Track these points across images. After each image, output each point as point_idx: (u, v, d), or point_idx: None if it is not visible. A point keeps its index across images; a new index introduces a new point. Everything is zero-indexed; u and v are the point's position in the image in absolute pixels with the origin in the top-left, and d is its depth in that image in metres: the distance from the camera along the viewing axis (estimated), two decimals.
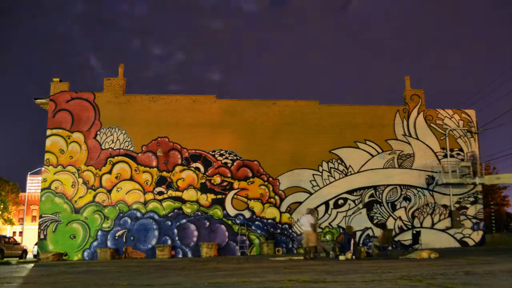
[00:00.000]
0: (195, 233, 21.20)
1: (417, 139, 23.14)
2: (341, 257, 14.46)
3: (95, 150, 21.74)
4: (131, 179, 21.57)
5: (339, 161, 22.52)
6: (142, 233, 21.10)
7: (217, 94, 23.46)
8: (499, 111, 40.20)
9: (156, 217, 21.27)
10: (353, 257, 14.45)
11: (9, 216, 53.04)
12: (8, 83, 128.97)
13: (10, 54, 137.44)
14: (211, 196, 21.58)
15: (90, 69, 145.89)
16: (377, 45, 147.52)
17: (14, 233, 56.68)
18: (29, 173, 54.87)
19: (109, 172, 21.57)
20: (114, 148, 21.82)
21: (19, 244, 28.82)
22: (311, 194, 22.03)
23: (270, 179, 21.99)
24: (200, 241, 20.89)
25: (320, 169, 22.34)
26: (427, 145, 23.12)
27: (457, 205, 22.57)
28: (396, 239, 21.51)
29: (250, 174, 21.95)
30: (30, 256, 29.70)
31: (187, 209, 21.40)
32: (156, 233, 21.14)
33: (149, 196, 21.44)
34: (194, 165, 21.85)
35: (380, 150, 22.80)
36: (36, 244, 23.78)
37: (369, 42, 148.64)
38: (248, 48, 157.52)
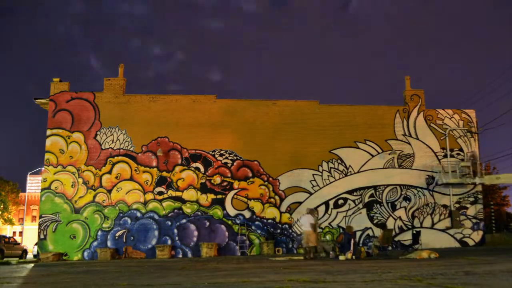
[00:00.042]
0: (195, 233, 21.20)
1: (417, 139, 23.14)
2: (341, 257, 14.46)
3: (95, 150, 21.74)
4: (131, 179, 21.57)
5: (339, 161, 22.52)
6: (142, 233, 21.10)
7: (217, 94, 23.49)
8: (499, 111, 40.22)
9: (156, 217, 21.27)
10: (353, 257, 14.45)
11: (9, 216, 53.05)
12: (8, 83, 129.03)
13: (10, 54, 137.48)
14: (211, 196, 21.58)
15: (90, 69, 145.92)
16: (377, 45, 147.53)
17: (14, 233, 56.69)
18: (29, 173, 54.93)
19: (109, 172, 21.57)
20: (114, 148, 21.82)
21: (19, 244, 28.82)
22: (311, 194, 22.03)
23: (270, 179, 21.99)
24: (200, 241, 20.89)
25: (320, 169, 22.34)
26: (427, 145, 23.12)
27: (457, 205, 22.57)
28: (396, 239, 21.51)
29: (250, 174, 21.95)
30: (30, 256, 29.70)
31: (187, 209, 21.40)
32: (156, 233, 21.14)
33: (149, 196, 21.44)
34: (194, 165, 21.86)
35: (380, 150, 22.80)
36: (36, 244, 23.78)
37: (369, 42, 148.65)
38: (248, 48, 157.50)
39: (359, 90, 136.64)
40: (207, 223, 21.35)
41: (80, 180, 21.42)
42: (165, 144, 22.01)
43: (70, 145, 21.71)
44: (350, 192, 22.28)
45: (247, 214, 21.55)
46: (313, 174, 22.23)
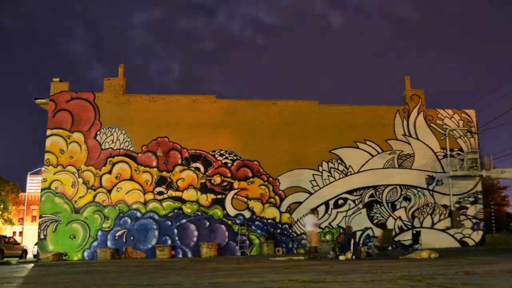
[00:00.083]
0: (195, 233, 21.20)
1: (417, 139, 23.14)
2: (341, 257, 14.46)
3: (95, 150, 21.74)
4: (131, 179, 21.57)
5: (339, 161, 22.52)
6: (142, 233, 21.10)
7: (217, 94, 23.51)
8: (499, 111, 40.24)
9: (156, 217, 21.27)
10: (353, 257, 14.44)
11: (9, 216, 53.03)
12: (8, 83, 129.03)
13: (10, 54, 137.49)
14: (211, 196, 21.58)
15: (90, 69, 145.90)
16: (377, 45, 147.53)
17: (14, 233, 56.65)
18: (29, 173, 54.88)
19: (109, 172, 21.57)
20: (114, 148, 21.82)
21: (19, 244, 28.81)
22: (311, 194, 22.03)
23: (270, 179, 21.99)
24: (200, 241, 20.89)
25: (320, 169, 22.34)
26: (427, 145, 23.12)
27: (457, 205, 22.57)
28: (396, 239, 21.50)
29: (250, 174, 21.95)
30: (30, 256, 29.70)
31: (187, 209, 21.40)
32: (156, 233, 21.14)
33: (149, 196, 21.43)
34: (194, 165, 21.85)
35: (380, 150, 22.80)
36: (36, 244, 23.77)
37: (369, 42, 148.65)
38: (248, 48, 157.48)
39: (359, 90, 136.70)
40: (207, 223, 21.34)
41: (80, 180, 21.41)
42: (165, 144, 22.01)
43: (70, 145, 21.71)
44: (350, 192, 22.27)
45: (247, 214, 21.55)
46: (313, 174, 22.23)
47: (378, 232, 20.74)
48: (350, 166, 22.52)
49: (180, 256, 20.89)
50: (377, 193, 22.39)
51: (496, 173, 22.96)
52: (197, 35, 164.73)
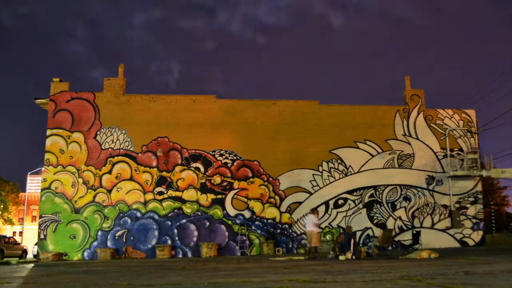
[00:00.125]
0: (195, 233, 21.20)
1: (417, 139, 23.14)
2: (341, 257, 14.46)
3: (95, 150, 21.74)
4: (131, 179, 21.57)
5: (339, 161, 22.52)
6: (142, 233, 21.10)
7: (217, 94, 23.51)
8: (499, 111, 40.23)
9: (156, 217, 21.27)
10: (353, 257, 14.44)
11: (9, 216, 53.03)
12: (8, 83, 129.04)
13: (10, 54, 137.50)
14: (211, 196, 21.58)
15: (90, 69, 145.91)
16: (377, 45, 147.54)
17: (14, 233, 56.65)
18: (29, 173, 54.87)
19: (109, 172, 21.57)
20: (114, 148, 21.82)
21: (19, 244, 28.81)
22: (311, 194, 22.03)
23: (270, 179, 21.99)
24: (200, 241, 20.89)
25: (320, 169, 22.34)
26: (427, 145, 23.12)
27: (457, 205, 22.57)
28: (396, 239, 21.50)
29: (250, 174, 21.95)
30: (30, 256, 29.70)
31: (187, 209, 21.40)
32: (156, 233, 21.14)
33: (149, 196, 21.43)
34: (194, 165, 21.85)
35: (380, 150, 22.79)
36: (36, 244, 23.77)
37: (369, 42, 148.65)
38: (248, 48, 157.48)
39: (359, 90, 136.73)
40: (207, 223, 21.34)
41: (80, 180, 21.41)
42: (165, 144, 22.01)
43: (70, 145, 21.71)
44: (350, 192, 22.27)
45: (247, 214, 21.55)
46: (313, 174, 22.23)
47: (378, 232, 20.74)
48: (350, 166, 22.52)
49: (180, 256, 20.88)
50: (377, 193, 22.39)
51: (496, 173, 22.97)
52: (197, 35, 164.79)
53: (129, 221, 21.17)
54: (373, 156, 22.73)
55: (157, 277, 8.85)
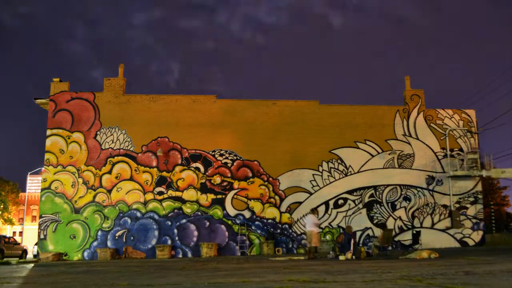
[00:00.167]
0: (195, 233, 21.19)
1: (417, 139, 23.13)
2: (341, 257, 14.46)
3: (95, 150, 21.74)
4: (131, 179, 21.57)
5: (339, 161, 22.51)
6: (142, 233, 21.09)
7: (217, 94, 23.51)
8: (499, 111, 40.22)
9: (156, 217, 21.27)
10: (353, 257, 14.44)
11: (9, 216, 53.03)
12: (8, 83, 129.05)
13: (10, 54, 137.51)
14: (211, 196, 21.58)
15: (90, 69, 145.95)
16: (377, 45, 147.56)
17: (14, 233, 56.65)
18: (29, 173, 54.88)
19: (109, 172, 21.57)
20: (114, 148, 21.82)
21: (19, 244, 28.81)
22: (311, 194, 22.03)
23: (270, 179, 21.99)
24: (200, 241, 20.89)
25: (320, 169, 22.34)
26: (427, 145, 23.12)
27: (457, 205, 22.57)
28: (396, 239, 21.50)
29: (250, 174, 21.95)
30: (30, 256, 29.70)
31: (187, 209, 21.40)
32: (156, 233, 21.13)
33: (149, 196, 21.43)
34: (194, 165, 21.85)
35: (380, 150, 22.79)
36: (36, 244, 23.77)
37: (369, 42, 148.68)
38: (248, 48, 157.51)
39: (359, 90, 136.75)
40: (207, 223, 21.34)
41: (80, 180, 21.41)
42: (165, 144, 22.01)
43: (70, 145, 21.71)
44: (350, 192, 22.27)
45: (247, 214, 21.55)
46: (313, 174, 22.23)
47: (378, 232, 20.74)
48: (350, 166, 22.52)
49: (180, 256, 20.88)
50: (377, 193, 22.39)
51: (496, 173, 22.97)
52: (197, 35, 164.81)
53: (129, 221, 21.17)
54: (373, 156, 22.73)
55: (157, 277, 8.85)
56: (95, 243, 20.89)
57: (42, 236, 20.89)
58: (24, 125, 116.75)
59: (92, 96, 22.39)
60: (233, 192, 21.71)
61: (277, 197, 21.85)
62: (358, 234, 21.55)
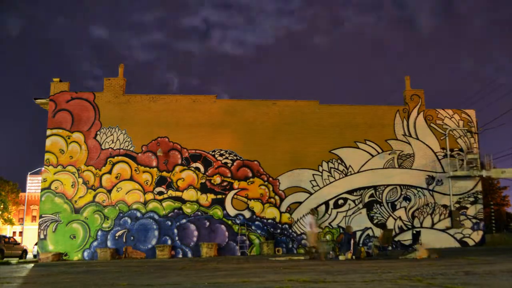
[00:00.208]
0: (195, 233, 21.19)
1: (417, 139, 23.13)
2: (341, 257, 14.46)
3: (95, 150, 21.74)
4: (131, 179, 21.57)
5: (339, 161, 22.51)
6: (142, 233, 21.09)
7: (217, 94, 23.51)
8: (499, 111, 40.15)
9: (156, 217, 21.27)
10: (353, 257, 14.44)
11: (9, 216, 53.03)
12: (8, 83, 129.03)
13: (10, 54, 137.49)
14: (211, 196, 21.58)
15: (90, 69, 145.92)
16: (377, 45, 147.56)
17: (14, 233, 56.67)
18: (29, 173, 54.90)
19: (109, 172, 21.57)
20: (114, 148, 21.82)
21: (19, 244, 28.81)
22: (311, 194, 22.02)
23: (270, 179, 21.98)
24: (200, 241, 20.88)
25: (320, 169, 22.33)
26: (427, 145, 23.11)
27: (457, 205, 22.56)
28: (396, 239, 21.50)
29: (250, 174, 21.94)
30: (30, 256, 29.70)
31: (187, 209, 21.39)
32: (156, 233, 21.13)
33: (149, 196, 21.43)
34: (194, 165, 21.85)
35: (380, 150, 22.79)
36: (36, 244, 23.77)
37: (369, 42, 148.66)
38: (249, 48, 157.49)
39: (359, 90, 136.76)
40: (207, 223, 21.34)
41: (80, 180, 21.41)
42: (165, 144, 22.01)
43: (70, 145, 21.70)
44: (350, 192, 22.27)
45: (247, 214, 21.54)
46: (313, 174, 22.23)
47: (378, 232, 20.75)
48: (350, 166, 22.52)
49: (180, 256, 20.88)
50: (377, 193, 22.39)
51: (496, 173, 22.96)
52: (197, 35, 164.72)
53: (129, 221, 21.17)
54: (373, 156, 22.72)
55: (157, 277, 8.85)
56: (95, 243, 20.89)
57: (42, 236, 20.89)
58: (24, 125, 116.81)
59: (92, 96, 22.39)
60: (233, 192, 21.71)
61: (277, 197, 21.85)
62: (358, 234, 21.55)
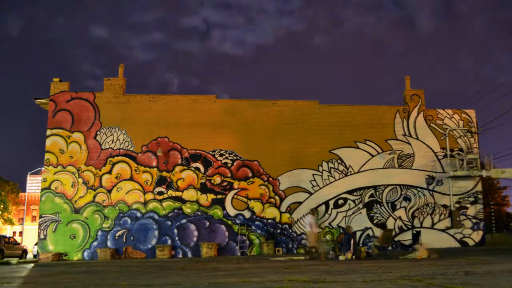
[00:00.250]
0: (195, 233, 21.19)
1: (417, 139, 23.13)
2: (341, 257, 14.46)
3: (95, 150, 21.74)
4: (131, 179, 21.57)
5: (339, 161, 22.51)
6: (142, 233, 21.09)
7: (217, 94, 23.51)
8: (499, 111, 40.15)
9: (156, 217, 21.27)
10: (353, 257, 14.44)
11: (9, 216, 53.04)
12: (8, 83, 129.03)
13: (10, 54, 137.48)
14: (211, 196, 21.58)
15: (90, 69, 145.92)
16: (377, 45, 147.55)
17: (14, 233, 56.67)
18: (29, 173, 54.90)
19: (109, 172, 21.57)
20: (114, 148, 21.82)
21: (19, 244, 28.81)
22: (311, 194, 22.02)
23: (270, 179, 21.98)
24: (200, 241, 20.88)
25: (320, 169, 22.33)
26: (427, 145, 23.11)
27: (457, 205, 22.56)
28: (396, 239, 21.50)
29: (250, 174, 21.94)
30: (30, 256, 29.70)
31: (187, 209, 21.39)
32: (156, 233, 21.13)
33: (149, 196, 21.43)
34: (194, 165, 21.85)
35: (380, 150, 22.79)
36: (36, 244, 23.77)
37: (369, 42, 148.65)
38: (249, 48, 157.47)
39: (359, 90, 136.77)
40: (207, 223, 21.34)
41: (80, 180, 21.41)
42: (165, 144, 22.01)
43: (70, 145, 21.70)
44: (350, 192, 22.27)
45: (247, 214, 21.54)
46: (313, 174, 22.22)
47: (378, 232, 20.75)
48: (350, 166, 22.51)
49: (180, 256, 20.88)
50: (377, 193, 22.39)
51: (496, 173, 22.95)
52: (197, 35, 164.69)
53: (129, 221, 21.17)
54: (373, 156, 22.72)
55: (157, 277, 8.85)
56: (95, 243, 20.89)
57: (42, 236, 20.89)
58: (24, 125, 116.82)
59: (92, 96, 22.39)
60: (233, 192, 21.71)
61: (277, 197, 21.85)
62: (358, 234, 21.54)
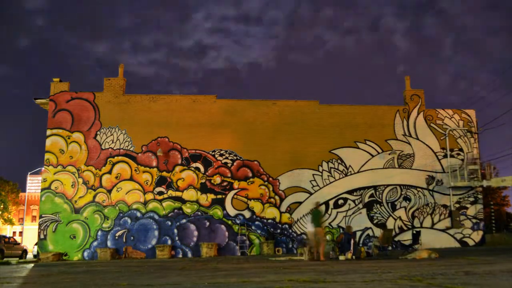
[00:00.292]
0: (195, 233, 21.20)
1: (417, 139, 23.14)
2: (341, 257, 14.46)
3: (95, 150, 21.74)
4: (131, 179, 21.57)
5: (339, 161, 22.52)
6: (142, 233, 21.10)
7: (217, 94, 23.50)
8: (499, 111, 40.20)
9: (156, 217, 21.27)
10: (353, 257, 14.44)
11: (9, 216, 53.04)
12: (8, 83, 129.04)
13: (10, 54, 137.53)
14: (211, 196, 21.58)
15: (90, 69, 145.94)
16: (378, 45, 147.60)
17: (14, 233, 56.67)
18: (29, 173, 54.92)
19: (109, 172, 21.57)
20: (114, 148, 21.82)
21: (19, 244, 28.81)
22: (311, 194, 22.03)
23: (270, 179, 21.99)
24: (200, 241, 20.89)
25: (320, 169, 22.34)
26: (427, 145, 23.12)
27: (457, 205, 22.57)
28: (396, 239, 21.51)
29: (250, 174, 21.95)
30: (30, 256, 29.70)
31: (187, 209, 21.40)
32: (156, 233, 21.14)
33: (149, 196, 21.43)
34: (194, 165, 21.85)
35: (380, 150, 22.80)
36: (36, 244, 23.77)
37: (370, 42, 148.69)
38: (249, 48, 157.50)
39: (359, 90, 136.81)
40: (207, 223, 21.34)
41: (80, 180, 21.41)
42: (165, 144, 22.01)
43: (70, 145, 21.71)
44: (350, 192, 22.27)
45: (247, 214, 21.55)
46: (313, 174, 22.23)
47: (378, 232, 20.76)
48: (350, 166, 22.52)
49: (180, 256, 20.89)
50: (377, 193, 22.39)
51: (496, 182, 22.89)
52: (196, 35, 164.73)
53: (129, 221, 21.17)
54: (373, 156, 22.73)
55: (157, 277, 8.85)
56: (95, 243, 20.89)
57: (42, 236, 20.89)
58: (24, 125, 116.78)
59: (92, 96, 22.39)
60: (233, 192, 21.72)
61: (277, 197, 21.85)
62: (358, 234, 21.55)
